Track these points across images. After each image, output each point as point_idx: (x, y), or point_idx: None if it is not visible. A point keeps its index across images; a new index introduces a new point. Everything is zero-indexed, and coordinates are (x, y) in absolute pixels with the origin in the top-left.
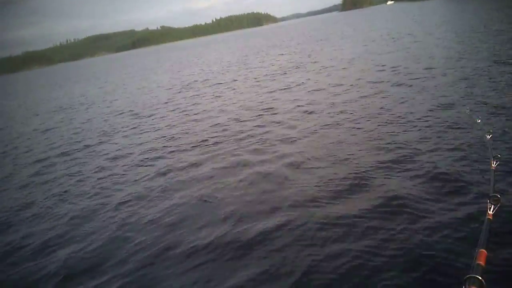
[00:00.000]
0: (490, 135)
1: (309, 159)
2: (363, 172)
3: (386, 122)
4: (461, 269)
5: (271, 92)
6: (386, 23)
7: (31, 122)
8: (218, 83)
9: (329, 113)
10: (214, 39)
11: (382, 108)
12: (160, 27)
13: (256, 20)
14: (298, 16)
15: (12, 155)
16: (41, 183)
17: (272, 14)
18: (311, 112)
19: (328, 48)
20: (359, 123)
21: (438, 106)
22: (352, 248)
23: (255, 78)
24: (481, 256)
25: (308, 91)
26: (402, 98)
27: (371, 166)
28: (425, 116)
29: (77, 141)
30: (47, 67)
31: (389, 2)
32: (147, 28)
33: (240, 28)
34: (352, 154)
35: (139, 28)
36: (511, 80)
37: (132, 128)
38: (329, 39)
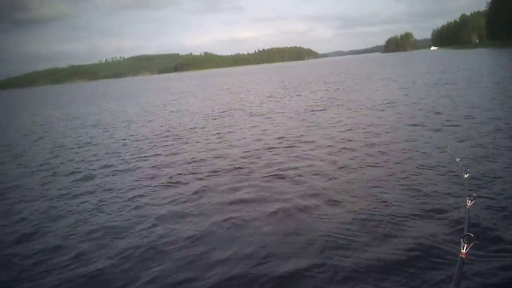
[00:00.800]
0: (467, 174)
1: (343, 196)
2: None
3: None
4: None
5: (308, 126)
6: (428, 68)
7: (70, 134)
8: (256, 114)
9: (366, 152)
10: (255, 69)
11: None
12: (204, 53)
13: (297, 54)
14: (340, 54)
15: (51, 164)
16: (77, 194)
17: (314, 49)
18: (347, 149)
19: (368, 88)
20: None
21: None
22: None
23: (295, 111)
24: None
25: (345, 129)
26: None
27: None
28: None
29: (114, 157)
30: (90, 81)
31: (432, 48)
32: (191, 53)
33: (282, 61)
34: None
35: (183, 52)
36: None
37: (168, 148)
38: (370, 79)
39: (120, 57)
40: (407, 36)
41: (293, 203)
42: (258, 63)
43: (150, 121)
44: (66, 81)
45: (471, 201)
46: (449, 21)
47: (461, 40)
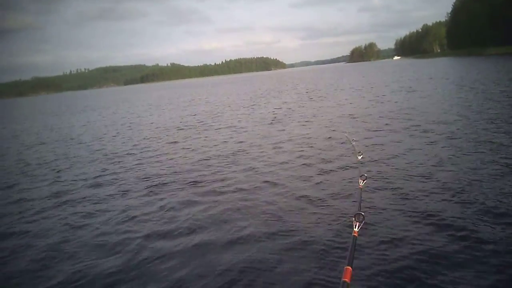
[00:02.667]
0: (361, 156)
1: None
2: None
3: None
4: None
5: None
6: (387, 76)
7: (40, 149)
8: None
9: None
10: (222, 80)
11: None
12: (170, 63)
13: (264, 64)
14: (306, 64)
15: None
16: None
17: (281, 60)
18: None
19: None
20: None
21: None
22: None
23: (255, 121)
24: (347, 273)
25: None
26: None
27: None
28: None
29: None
30: (54, 93)
31: (395, 57)
32: (157, 64)
33: (249, 71)
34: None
35: (150, 63)
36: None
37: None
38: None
39: (85, 69)
40: (371, 46)
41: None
42: (225, 74)
43: (113, 136)
44: (29, 94)
45: (363, 181)
46: (412, 31)
47: (423, 49)
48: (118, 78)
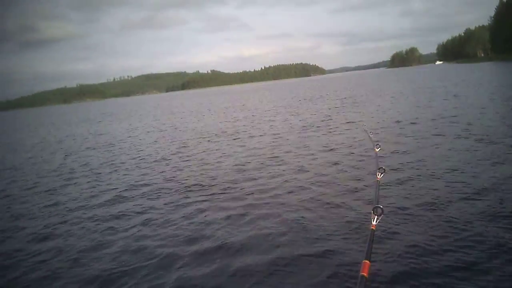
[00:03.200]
0: (379, 148)
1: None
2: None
3: None
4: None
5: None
6: (434, 82)
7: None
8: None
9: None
10: (261, 86)
11: None
12: (211, 70)
13: (304, 70)
14: (346, 69)
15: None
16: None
17: (320, 65)
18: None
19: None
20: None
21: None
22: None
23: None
24: (365, 267)
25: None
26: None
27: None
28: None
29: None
30: (99, 100)
31: (438, 62)
32: (198, 71)
33: (288, 78)
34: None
35: (190, 70)
36: None
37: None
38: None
39: (128, 76)
40: (412, 51)
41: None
42: (264, 80)
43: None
44: (75, 101)
45: (381, 174)
46: (454, 35)
47: (466, 54)
48: (159, 85)
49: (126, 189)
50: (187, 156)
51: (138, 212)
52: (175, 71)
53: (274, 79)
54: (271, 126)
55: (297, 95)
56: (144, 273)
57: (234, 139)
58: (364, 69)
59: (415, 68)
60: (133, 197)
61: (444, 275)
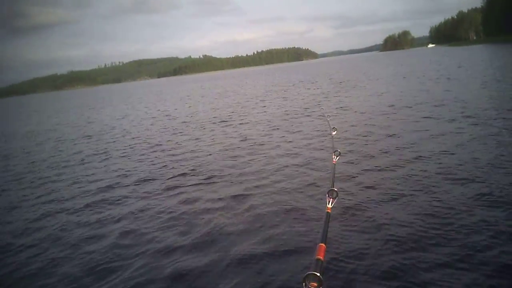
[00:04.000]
0: (335, 131)
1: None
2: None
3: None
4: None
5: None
6: (419, 65)
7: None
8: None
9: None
10: (253, 71)
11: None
12: (203, 55)
13: (296, 55)
14: (339, 53)
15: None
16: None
17: (313, 49)
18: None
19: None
20: None
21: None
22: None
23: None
24: (320, 251)
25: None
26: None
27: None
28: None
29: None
30: (90, 87)
31: (430, 45)
32: (190, 56)
33: (280, 62)
34: None
35: (182, 55)
36: None
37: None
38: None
39: (120, 62)
40: (404, 34)
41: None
42: (256, 65)
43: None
44: (66, 87)
45: (336, 156)
46: (447, 18)
47: (458, 37)
48: (152, 71)
49: (119, 177)
50: (178, 143)
51: (131, 200)
52: (167, 56)
53: (267, 63)
54: (250, 113)
55: (285, 81)
56: (140, 263)
57: (223, 126)
58: (357, 53)
59: (407, 52)
60: (127, 185)
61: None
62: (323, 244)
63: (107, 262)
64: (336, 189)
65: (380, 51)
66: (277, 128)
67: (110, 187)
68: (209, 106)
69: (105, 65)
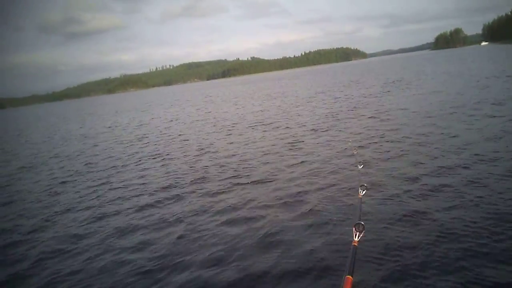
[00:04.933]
0: (362, 165)
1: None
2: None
3: None
4: None
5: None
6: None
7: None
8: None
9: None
10: (301, 72)
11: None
12: (251, 57)
13: (345, 55)
14: (389, 52)
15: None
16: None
17: (362, 49)
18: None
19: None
20: None
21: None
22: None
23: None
24: (347, 283)
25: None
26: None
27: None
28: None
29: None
30: (141, 90)
31: (483, 43)
32: (238, 58)
33: (328, 63)
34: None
35: (230, 58)
36: None
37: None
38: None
39: (170, 65)
40: (456, 32)
41: None
42: (304, 66)
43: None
44: (118, 91)
45: (363, 191)
46: (501, 15)
47: None
48: (201, 74)
49: (174, 178)
50: (228, 145)
51: (191, 199)
52: (215, 59)
53: (314, 64)
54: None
55: (333, 83)
56: (203, 260)
57: (264, 130)
58: (407, 52)
59: (460, 50)
60: (183, 186)
61: None
62: (350, 277)
63: (174, 254)
64: (362, 223)
65: (432, 49)
66: (320, 130)
67: (167, 188)
68: (258, 108)
69: (156, 68)
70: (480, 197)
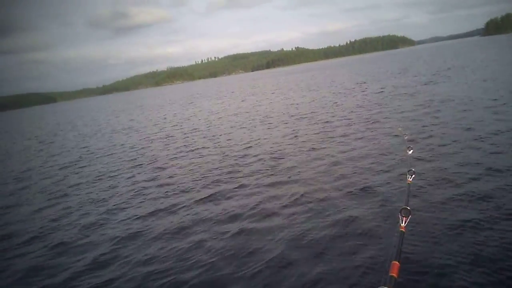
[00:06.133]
0: (411, 151)
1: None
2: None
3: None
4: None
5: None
6: None
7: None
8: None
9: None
10: (346, 61)
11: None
12: (295, 48)
13: (391, 42)
14: (437, 39)
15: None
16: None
17: (409, 37)
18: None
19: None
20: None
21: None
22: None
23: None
24: (394, 268)
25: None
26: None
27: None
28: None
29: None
30: (188, 82)
31: None
32: (282, 49)
33: (374, 51)
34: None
35: (274, 48)
36: None
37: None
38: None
39: (215, 57)
40: (508, 17)
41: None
42: (350, 55)
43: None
44: (165, 83)
45: (411, 176)
46: None
47: None
48: (245, 65)
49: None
50: (262, 138)
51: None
52: (260, 50)
53: (360, 53)
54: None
55: (378, 71)
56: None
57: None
58: (457, 39)
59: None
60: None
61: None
62: (397, 262)
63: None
64: (409, 208)
65: (482, 35)
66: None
67: (205, 187)
68: (299, 100)
69: (202, 60)
70: None
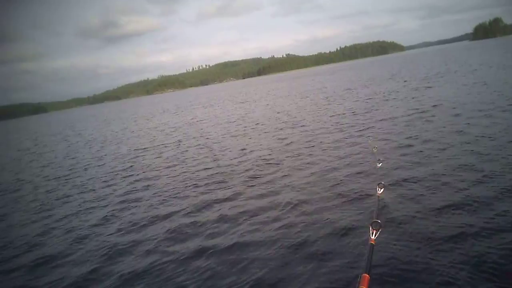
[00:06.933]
0: (380, 163)
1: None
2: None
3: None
4: None
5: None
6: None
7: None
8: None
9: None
10: (336, 67)
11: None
12: (285, 55)
13: (381, 48)
14: (427, 44)
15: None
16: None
17: (399, 42)
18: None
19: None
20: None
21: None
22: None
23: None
24: (364, 280)
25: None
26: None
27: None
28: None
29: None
30: (179, 90)
31: None
32: (273, 56)
33: (364, 57)
34: None
35: (265, 56)
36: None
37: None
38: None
39: (206, 65)
40: (496, 22)
41: None
42: (340, 61)
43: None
44: (157, 91)
45: (381, 189)
46: None
47: None
48: (236, 72)
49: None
50: (247, 145)
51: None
52: (251, 57)
53: (350, 59)
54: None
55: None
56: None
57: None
58: (446, 43)
59: (500, 40)
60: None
61: None
62: (366, 275)
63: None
64: (379, 221)
65: (470, 40)
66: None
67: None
68: (289, 107)
69: (193, 68)
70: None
